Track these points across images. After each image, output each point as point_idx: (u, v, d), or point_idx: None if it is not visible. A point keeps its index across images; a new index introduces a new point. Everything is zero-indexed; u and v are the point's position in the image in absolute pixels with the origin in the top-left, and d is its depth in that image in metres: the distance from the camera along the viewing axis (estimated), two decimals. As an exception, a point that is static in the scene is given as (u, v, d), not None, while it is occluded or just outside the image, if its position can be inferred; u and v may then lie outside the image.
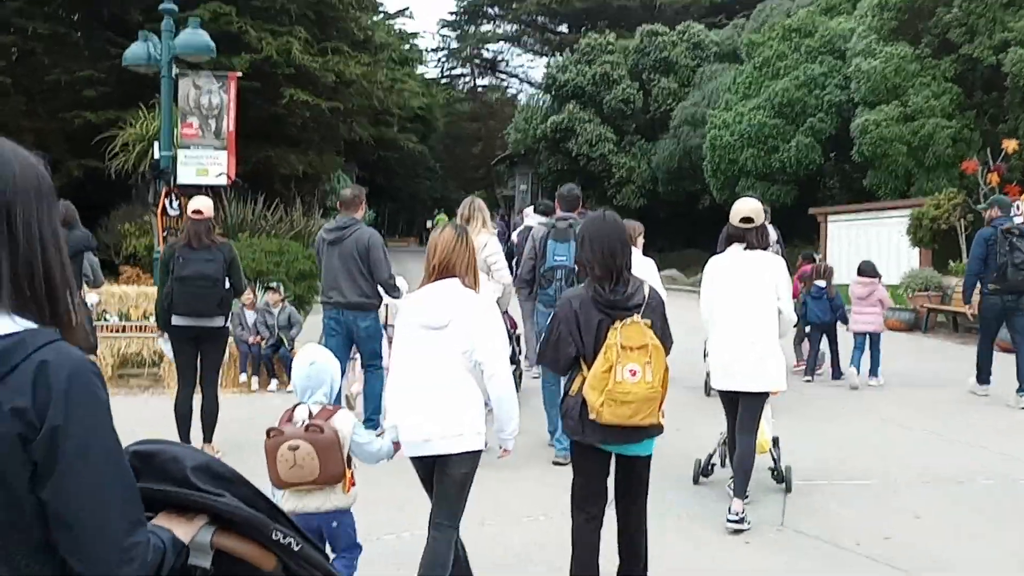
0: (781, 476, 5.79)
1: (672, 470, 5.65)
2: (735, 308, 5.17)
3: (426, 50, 48.54)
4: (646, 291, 3.71)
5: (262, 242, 15.27)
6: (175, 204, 10.02)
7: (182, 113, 10.14)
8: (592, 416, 3.58)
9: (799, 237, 24.23)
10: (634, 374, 3.50)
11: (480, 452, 3.63)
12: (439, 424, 3.53)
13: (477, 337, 3.55)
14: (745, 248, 5.21)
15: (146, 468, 1.45)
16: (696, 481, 5.94)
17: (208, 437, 6.48)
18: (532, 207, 11.13)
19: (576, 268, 6.34)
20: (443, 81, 52.07)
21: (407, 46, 37.62)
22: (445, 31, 50.57)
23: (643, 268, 6.15)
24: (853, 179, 21.85)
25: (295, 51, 18.39)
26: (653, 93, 29.66)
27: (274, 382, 9.11)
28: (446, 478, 3.57)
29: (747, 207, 5.32)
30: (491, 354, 3.57)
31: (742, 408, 5.18)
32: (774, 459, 5.82)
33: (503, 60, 51.96)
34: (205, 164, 10.09)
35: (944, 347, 12.77)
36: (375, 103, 23.13)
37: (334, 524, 3.49)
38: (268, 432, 3.43)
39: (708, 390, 8.85)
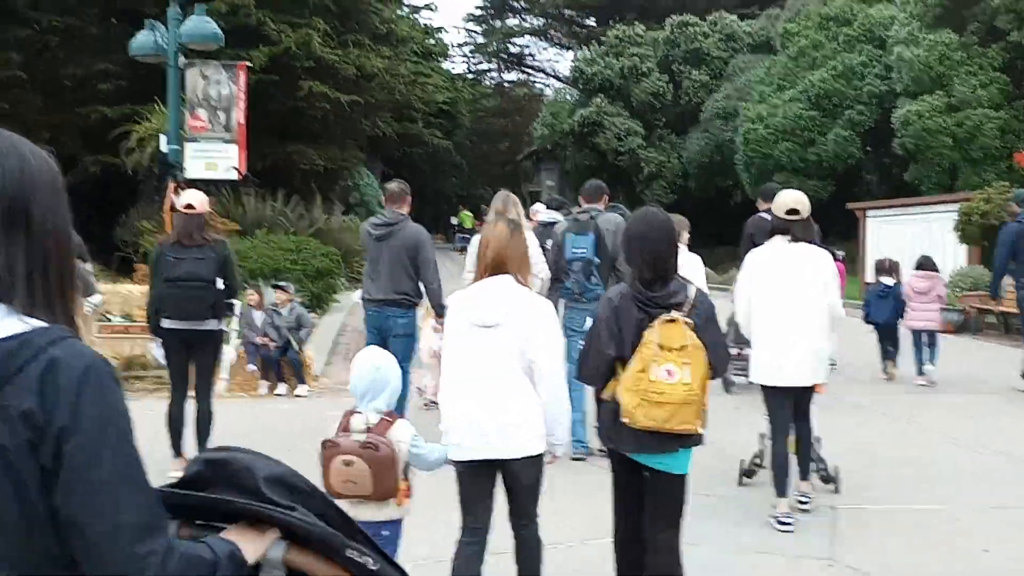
0: (829, 477, 5.59)
1: (699, 484, 5.01)
2: (782, 302, 5.01)
3: (451, 45, 48.06)
4: (691, 292, 3.51)
5: (279, 239, 14.86)
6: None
7: (190, 105, 9.68)
8: (625, 420, 3.38)
9: (836, 234, 23.46)
10: (670, 374, 3.32)
11: (543, 455, 3.49)
12: (501, 427, 3.39)
13: (531, 335, 3.42)
14: (790, 241, 5.07)
15: (218, 477, 1.40)
16: (740, 483, 5.72)
17: (203, 448, 5.98)
18: (545, 204, 10.63)
19: (599, 260, 6.16)
20: (469, 77, 51.57)
21: (432, 40, 37.10)
22: (471, 25, 50.09)
23: (689, 265, 6.08)
24: (893, 173, 21.09)
25: (315, 43, 17.94)
26: (683, 86, 29.00)
27: (282, 386, 8.61)
28: (516, 484, 3.50)
29: (792, 198, 5.19)
30: (545, 353, 3.43)
31: (799, 400, 5.13)
32: (821, 457, 5.62)
33: (530, 55, 51.38)
34: (214, 158, 9.64)
35: (995, 350, 12.03)
36: (397, 97, 22.63)
37: (385, 532, 3.32)
38: (323, 444, 3.29)
39: (728, 387, 8.56)
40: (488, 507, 3.57)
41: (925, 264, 9.54)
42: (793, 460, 5.17)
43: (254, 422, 7.54)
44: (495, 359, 3.43)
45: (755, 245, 8.44)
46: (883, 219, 18.26)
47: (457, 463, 3.47)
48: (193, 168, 9.66)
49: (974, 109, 17.15)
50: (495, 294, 3.47)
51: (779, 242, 5.13)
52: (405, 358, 6.48)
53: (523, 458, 3.42)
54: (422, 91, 27.17)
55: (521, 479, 3.47)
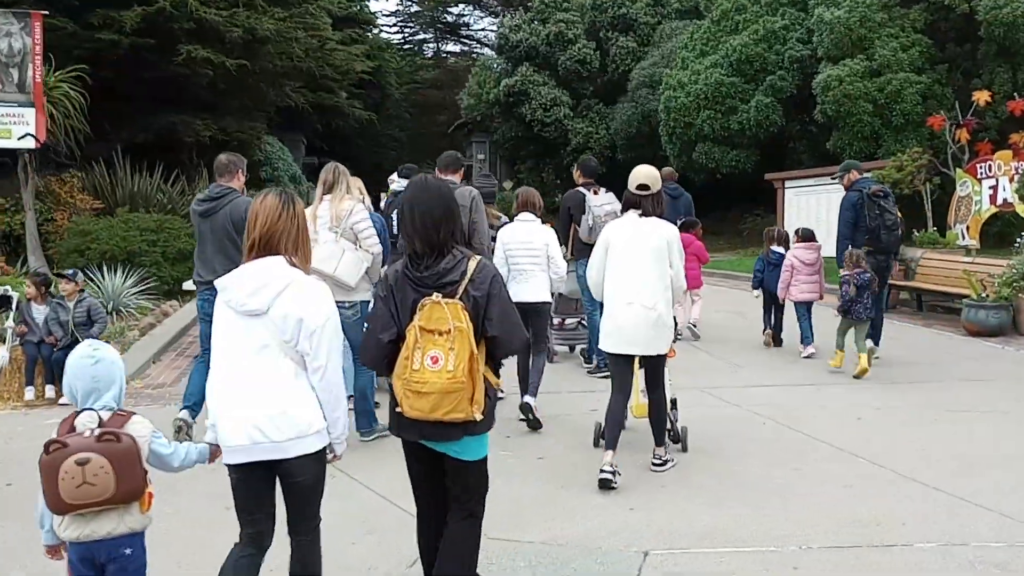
0: (677, 436, 5.95)
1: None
2: (631, 273, 5.29)
3: (380, 13, 46.32)
4: (471, 267, 3.23)
5: (140, 218, 13.55)
6: (-31, 174, 8.21)
7: (-27, 62, 8.33)
8: (399, 409, 3.23)
9: (765, 205, 22.63)
10: (436, 361, 3.11)
11: (324, 450, 3.18)
12: (270, 425, 3.05)
13: (302, 323, 3.09)
14: (641, 215, 5.37)
15: None
16: (596, 444, 5.91)
17: None
18: (397, 171, 9.72)
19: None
20: (406, 47, 49.94)
21: (356, 7, 35.44)
22: (405, -6, 48.29)
23: (544, 236, 6.69)
24: (820, 142, 20.20)
25: (192, 2, 16.41)
26: (611, 53, 27.85)
27: (68, 393, 7.37)
28: (294, 487, 3.14)
29: (643, 173, 5.46)
30: (317, 344, 3.10)
31: (647, 369, 5.41)
32: (672, 420, 5.91)
33: (465, 24, 49.80)
34: (6, 124, 8.29)
35: (903, 331, 11.14)
36: (297, 64, 21.11)
37: (127, 551, 2.94)
38: (47, 446, 2.86)
39: (551, 356, 8.57)
40: (268, 513, 3.21)
41: (809, 235, 9.61)
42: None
43: (13, 441, 6.34)
44: (262, 349, 3.09)
45: (571, 218, 8.37)
46: (800, 190, 17.37)
47: (228, 466, 3.14)
48: (-19, 136, 8.33)
49: (895, 73, 16.23)
50: (261, 277, 3.12)
51: (632, 216, 5.41)
52: None
53: (299, 457, 3.09)
54: (334, 58, 25.61)
55: (298, 480, 3.13)
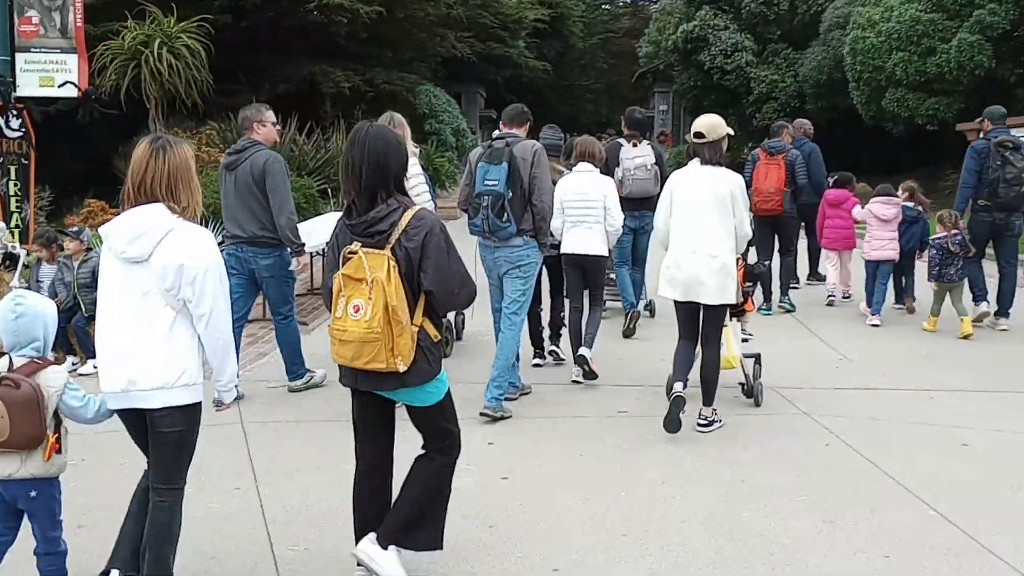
0: (751, 391, 5.82)
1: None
2: (694, 222, 5.27)
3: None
4: (404, 219, 3.16)
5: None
6: (15, 124, 7.98)
7: (18, 5, 8.03)
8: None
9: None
10: (357, 310, 3.13)
11: (196, 406, 3.15)
12: (140, 373, 3.06)
13: (183, 272, 3.04)
14: (701, 163, 5.33)
15: None
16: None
17: None
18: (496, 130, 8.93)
19: (510, 194, 5.66)
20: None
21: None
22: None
23: (602, 188, 6.44)
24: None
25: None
26: (803, -8, 25.17)
27: (70, 359, 6.93)
28: (157, 436, 3.13)
29: (701, 122, 5.40)
30: (200, 290, 3.07)
31: (705, 320, 5.34)
32: (745, 375, 5.86)
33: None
34: (50, 71, 8.00)
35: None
36: (446, 10, 20.36)
37: (32, 494, 3.08)
38: None
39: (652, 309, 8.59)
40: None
41: (887, 190, 8.88)
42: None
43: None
44: (143, 297, 3.11)
45: (608, 169, 7.73)
46: (999, 144, 14.62)
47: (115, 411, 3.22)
48: (26, 83, 8.06)
49: None
50: (140, 225, 3.10)
51: (694, 165, 5.37)
52: (279, 302, 6.11)
53: (165, 408, 3.08)
54: (502, 6, 24.69)
55: (161, 431, 3.12)
